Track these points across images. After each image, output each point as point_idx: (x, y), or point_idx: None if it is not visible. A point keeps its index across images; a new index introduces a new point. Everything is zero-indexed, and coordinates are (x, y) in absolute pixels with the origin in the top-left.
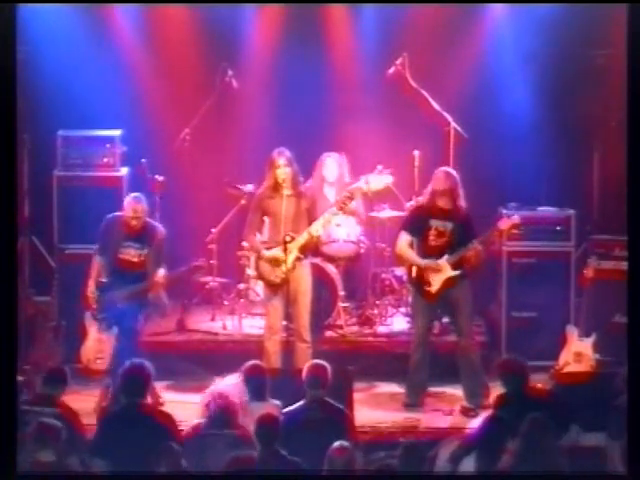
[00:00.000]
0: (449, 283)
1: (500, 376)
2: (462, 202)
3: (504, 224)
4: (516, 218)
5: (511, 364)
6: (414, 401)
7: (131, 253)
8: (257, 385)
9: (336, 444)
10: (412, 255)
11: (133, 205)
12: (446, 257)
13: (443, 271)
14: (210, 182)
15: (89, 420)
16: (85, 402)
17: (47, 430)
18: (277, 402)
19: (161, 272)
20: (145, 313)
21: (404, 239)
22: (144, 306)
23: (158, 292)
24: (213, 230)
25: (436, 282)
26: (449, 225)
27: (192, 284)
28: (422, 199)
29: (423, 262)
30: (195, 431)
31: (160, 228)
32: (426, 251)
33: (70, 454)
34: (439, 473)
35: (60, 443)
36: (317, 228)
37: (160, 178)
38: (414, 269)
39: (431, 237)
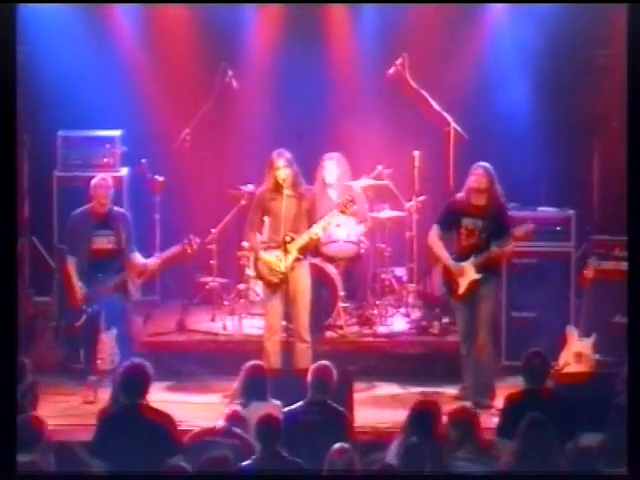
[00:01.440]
0: (473, 286)
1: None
2: (499, 199)
3: (519, 231)
4: (531, 226)
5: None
6: (481, 400)
7: (104, 241)
8: (258, 385)
9: (336, 446)
10: (442, 251)
11: (104, 189)
12: (472, 259)
13: (468, 274)
14: (210, 182)
15: (88, 420)
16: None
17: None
18: (277, 402)
19: (151, 260)
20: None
21: (435, 232)
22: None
23: (133, 281)
24: (213, 230)
25: (462, 284)
26: (479, 223)
27: (192, 284)
28: (459, 195)
29: (451, 264)
30: (202, 436)
31: (125, 212)
32: (458, 251)
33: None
34: (438, 473)
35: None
36: (317, 231)
37: (160, 178)
38: (445, 268)
39: (462, 236)
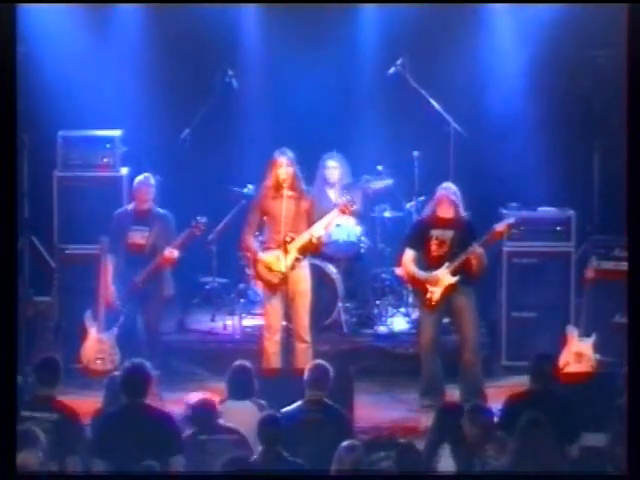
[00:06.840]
0: (448, 290)
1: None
2: (463, 212)
3: (499, 226)
4: (511, 219)
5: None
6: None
7: (137, 236)
8: (242, 384)
9: (345, 443)
10: (414, 269)
11: (147, 187)
12: (446, 265)
13: (443, 280)
14: (210, 182)
15: (88, 420)
16: (85, 403)
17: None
18: (262, 402)
19: (168, 249)
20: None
21: (408, 255)
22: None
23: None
24: (213, 231)
25: (436, 292)
26: (449, 233)
27: (192, 284)
28: (424, 214)
29: (422, 275)
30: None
31: (167, 213)
32: (429, 262)
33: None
34: (439, 473)
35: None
36: (318, 231)
37: (160, 178)
38: (414, 281)
39: (433, 247)
